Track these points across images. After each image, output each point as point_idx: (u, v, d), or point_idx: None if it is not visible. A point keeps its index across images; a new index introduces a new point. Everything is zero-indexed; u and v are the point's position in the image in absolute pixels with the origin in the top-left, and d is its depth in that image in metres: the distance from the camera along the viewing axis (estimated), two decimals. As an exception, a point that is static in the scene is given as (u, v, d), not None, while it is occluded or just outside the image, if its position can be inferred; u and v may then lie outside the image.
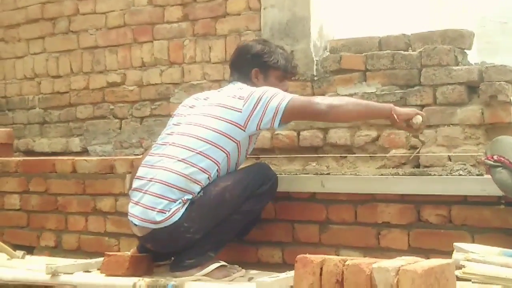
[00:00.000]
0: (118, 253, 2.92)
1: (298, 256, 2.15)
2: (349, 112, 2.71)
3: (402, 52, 3.04)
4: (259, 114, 2.72)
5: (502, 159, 2.45)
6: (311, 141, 3.18)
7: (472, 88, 2.88)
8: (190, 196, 2.70)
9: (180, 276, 2.72)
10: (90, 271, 2.91)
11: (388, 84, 3.05)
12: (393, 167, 2.98)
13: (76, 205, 3.66)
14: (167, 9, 3.68)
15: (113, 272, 2.76)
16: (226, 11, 3.50)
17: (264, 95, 2.74)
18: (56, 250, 3.70)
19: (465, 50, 2.98)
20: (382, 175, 2.92)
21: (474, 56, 3.44)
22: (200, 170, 2.71)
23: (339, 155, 3.11)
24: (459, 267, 2.22)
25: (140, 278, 2.65)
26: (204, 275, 2.73)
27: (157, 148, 2.86)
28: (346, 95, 3.12)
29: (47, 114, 4.07)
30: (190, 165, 2.71)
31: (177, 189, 2.70)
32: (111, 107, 3.83)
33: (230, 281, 2.75)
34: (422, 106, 2.95)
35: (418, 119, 2.70)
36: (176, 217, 2.68)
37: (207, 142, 2.73)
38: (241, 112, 2.74)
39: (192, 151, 2.72)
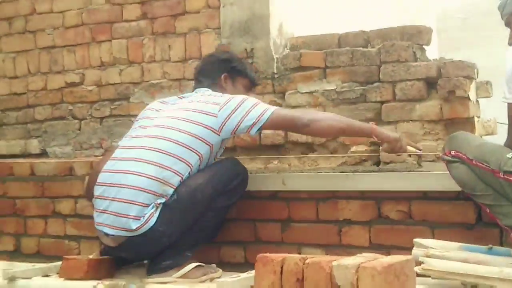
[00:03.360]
0: (77, 257, 2.86)
1: (258, 256, 2.14)
2: (330, 128, 2.72)
3: (361, 49, 3.04)
4: (236, 120, 2.70)
5: (460, 154, 2.46)
6: (272, 140, 3.17)
7: (431, 84, 2.89)
8: (163, 200, 2.64)
9: (158, 278, 2.68)
10: (49, 275, 2.86)
11: (348, 81, 3.05)
12: (353, 164, 2.98)
13: (35, 208, 3.59)
14: (125, 7, 3.62)
15: (72, 276, 2.71)
16: (185, 9, 3.46)
17: (245, 103, 2.73)
18: (16, 254, 3.63)
19: (423, 46, 2.99)
20: (342, 172, 2.92)
21: (435, 52, 3.47)
22: (174, 172, 2.65)
23: (299, 154, 3.10)
24: (419, 263, 2.23)
25: (100, 282, 2.61)
26: (181, 276, 2.70)
27: (121, 152, 2.76)
28: (306, 92, 3.12)
29: (4, 116, 3.98)
30: (165, 168, 2.64)
31: (150, 193, 2.62)
32: (70, 107, 3.77)
33: (204, 281, 2.71)
34: (381, 102, 2.96)
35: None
36: (151, 223, 2.61)
37: (181, 145, 2.68)
38: (216, 117, 2.72)
39: (166, 154, 2.66)
